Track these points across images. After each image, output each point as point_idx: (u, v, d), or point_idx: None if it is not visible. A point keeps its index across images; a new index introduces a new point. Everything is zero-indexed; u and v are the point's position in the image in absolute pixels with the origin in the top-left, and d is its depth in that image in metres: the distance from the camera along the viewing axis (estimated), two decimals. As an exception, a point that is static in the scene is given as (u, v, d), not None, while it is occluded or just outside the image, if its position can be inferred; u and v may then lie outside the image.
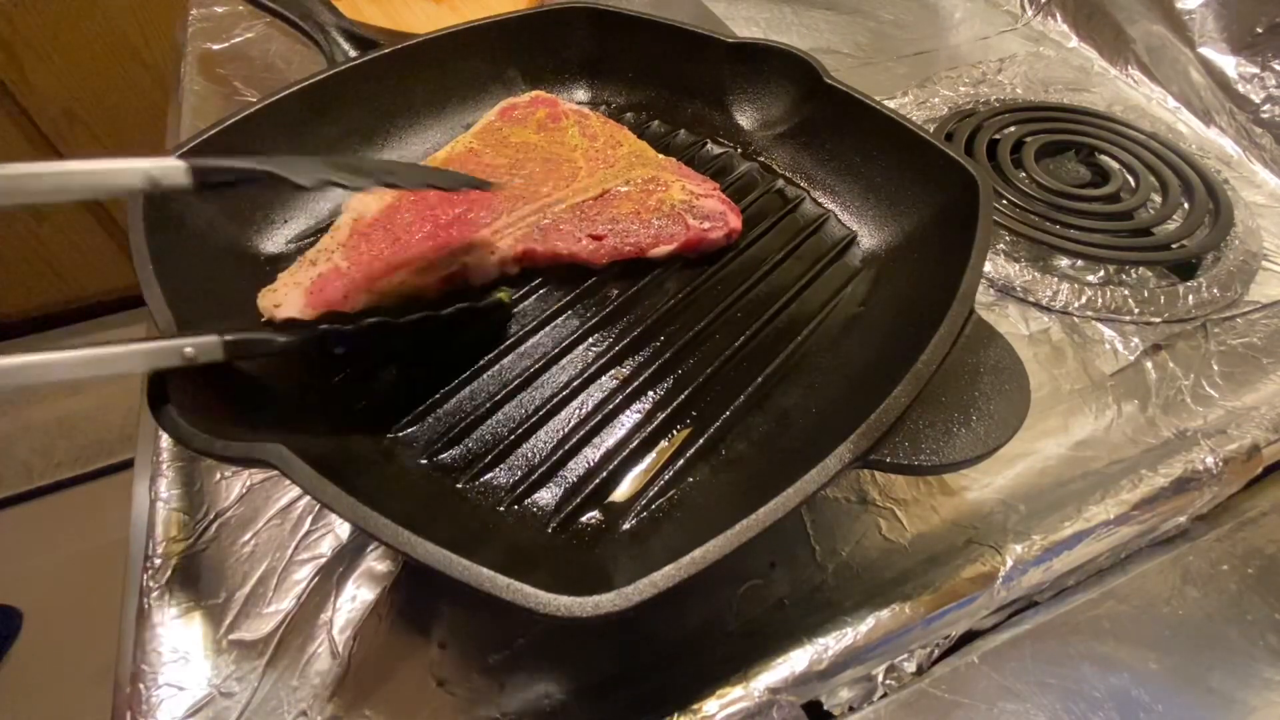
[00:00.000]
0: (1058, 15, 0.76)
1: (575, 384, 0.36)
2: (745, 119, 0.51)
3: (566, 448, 0.33)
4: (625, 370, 0.37)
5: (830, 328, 0.39)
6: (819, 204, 0.47)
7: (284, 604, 0.32)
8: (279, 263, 0.41)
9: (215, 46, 0.67)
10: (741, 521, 0.23)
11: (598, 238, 0.42)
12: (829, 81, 0.45)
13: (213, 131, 0.39)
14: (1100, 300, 0.46)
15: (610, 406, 0.35)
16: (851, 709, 0.33)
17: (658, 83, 0.54)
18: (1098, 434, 0.40)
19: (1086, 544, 0.35)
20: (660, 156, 0.47)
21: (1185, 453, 0.38)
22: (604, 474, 0.32)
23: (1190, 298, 0.46)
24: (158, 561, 0.33)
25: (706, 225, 0.42)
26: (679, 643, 0.32)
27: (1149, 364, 0.43)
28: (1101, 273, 0.49)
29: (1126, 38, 0.69)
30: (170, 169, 0.27)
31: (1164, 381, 0.42)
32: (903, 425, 0.28)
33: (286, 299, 0.36)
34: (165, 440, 0.37)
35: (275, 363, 0.35)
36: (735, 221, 0.43)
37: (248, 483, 0.36)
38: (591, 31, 0.53)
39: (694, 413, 0.35)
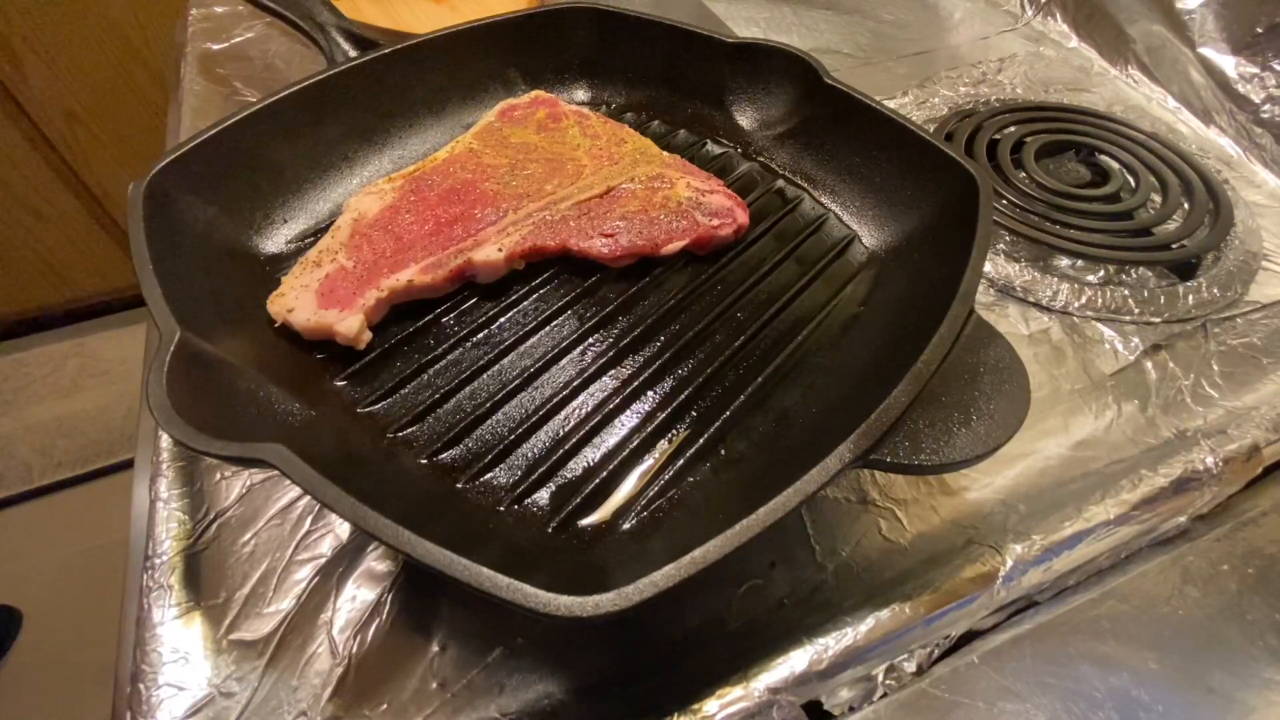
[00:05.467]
0: (1058, 15, 0.76)
1: (575, 384, 0.36)
2: (745, 119, 0.51)
3: (566, 448, 0.33)
4: (625, 370, 0.37)
5: (830, 328, 0.39)
6: (819, 204, 0.47)
7: (284, 604, 0.32)
8: (279, 263, 0.41)
9: (215, 46, 0.67)
10: (741, 521, 0.23)
11: (610, 235, 0.42)
12: (829, 81, 0.45)
13: (213, 131, 0.39)
14: (1100, 300, 0.46)
15: (610, 406, 0.35)
16: (851, 709, 0.33)
17: (658, 83, 0.54)
18: (1098, 434, 0.40)
19: (1086, 544, 0.35)
20: (664, 154, 0.47)
21: (1185, 453, 0.38)
22: (604, 474, 0.32)
23: (1190, 298, 0.46)
24: (158, 561, 0.33)
25: (715, 222, 0.42)
26: (679, 643, 0.32)
27: (1149, 364, 0.43)
28: (1101, 273, 0.49)
29: (1126, 38, 0.69)
30: None
31: (1164, 381, 0.42)
32: (903, 425, 0.28)
33: (298, 302, 0.36)
34: (165, 440, 0.37)
35: (276, 362, 0.35)
36: (743, 217, 0.43)
37: (248, 483, 0.36)
38: (591, 31, 0.53)
39: (694, 413, 0.35)
